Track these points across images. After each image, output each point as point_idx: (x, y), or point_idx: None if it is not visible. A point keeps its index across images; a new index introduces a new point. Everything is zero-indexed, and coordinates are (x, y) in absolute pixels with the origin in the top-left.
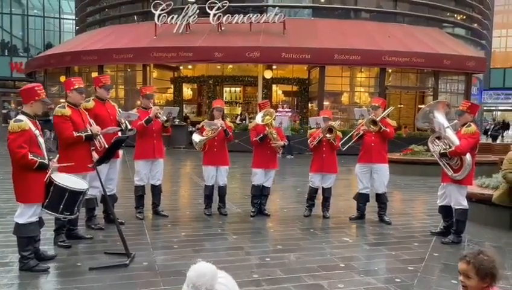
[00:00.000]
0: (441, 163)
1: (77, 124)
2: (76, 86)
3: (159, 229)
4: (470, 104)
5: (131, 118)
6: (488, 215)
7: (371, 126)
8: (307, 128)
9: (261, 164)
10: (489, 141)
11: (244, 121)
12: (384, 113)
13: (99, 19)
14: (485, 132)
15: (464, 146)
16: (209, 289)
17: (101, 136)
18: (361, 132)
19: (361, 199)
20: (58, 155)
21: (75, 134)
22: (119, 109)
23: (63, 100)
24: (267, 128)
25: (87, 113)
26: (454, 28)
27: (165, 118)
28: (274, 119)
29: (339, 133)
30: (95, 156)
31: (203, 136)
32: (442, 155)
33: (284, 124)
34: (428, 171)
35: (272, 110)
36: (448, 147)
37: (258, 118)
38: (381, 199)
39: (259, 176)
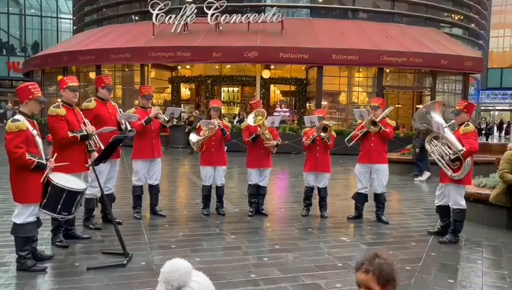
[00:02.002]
0: (439, 163)
1: (72, 124)
2: (69, 84)
3: (156, 229)
4: (466, 103)
5: (131, 119)
6: (485, 215)
7: (371, 127)
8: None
9: (255, 164)
10: (483, 139)
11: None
12: (384, 114)
13: (96, 19)
14: (479, 131)
15: (474, 144)
16: (181, 285)
17: (96, 136)
18: (366, 129)
19: (360, 199)
20: (56, 155)
21: (70, 134)
22: (120, 110)
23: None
24: (258, 129)
25: (88, 113)
26: (451, 28)
27: (167, 119)
28: (266, 119)
29: (333, 133)
30: (96, 156)
31: (200, 136)
32: (455, 160)
33: (276, 124)
34: None
35: (263, 110)
36: (447, 147)
37: (250, 119)
38: (379, 199)
39: (254, 176)
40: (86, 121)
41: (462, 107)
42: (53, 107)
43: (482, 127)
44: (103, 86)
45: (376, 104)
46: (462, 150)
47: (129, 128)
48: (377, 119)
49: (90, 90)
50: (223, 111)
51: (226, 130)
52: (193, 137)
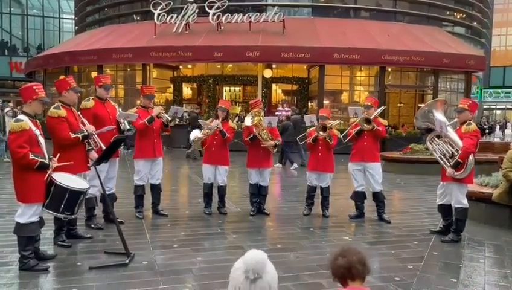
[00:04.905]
0: (441, 162)
1: (72, 125)
2: (73, 86)
3: (158, 229)
4: (470, 102)
5: (130, 118)
6: (488, 214)
7: (365, 125)
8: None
9: (255, 163)
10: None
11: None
12: (376, 112)
13: (98, 19)
14: (482, 131)
15: (470, 145)
16: (260, 273)
17: (95, 136)
18: (360, 127)
19: (359, 197)
20: (58, 155)
21: (72, 135)
22: (119, 109)
23: None
24: (254, 129)
25: (86, 112)
26: (454, 26)
27: (170, 118)
28: (263, 118)
29: (337, 132)
30: (95, 155)
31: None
32: (456, 165)
33: (274, 124)
34: (427, 169)
35: (259, 109)
36: (449, 146)
37: (248, 120)
38: (378, 197)
39: (254, 176)
40: (84, 120)
41: (465, 106)
42: (53, 108)
43: (485, 127)
44: (100, 85)
45: (369, 103)
46: (453, 147)
47: (128, 127)
48: (371, 117)
49: (92, 90)
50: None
51: (225, 132)
52: (192, 135)
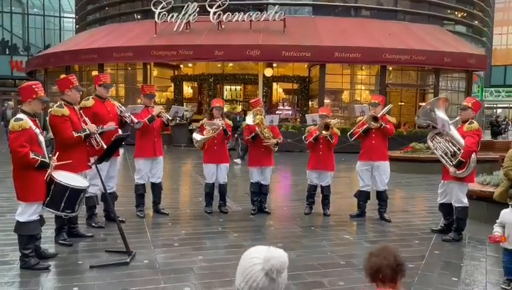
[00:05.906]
0: (443, 160)
1: (75, 124)
2: (76, 84)
3: (159, 227)
4: (474, 100)
5: (136, 110)
6: (489, 213)
7: (372, 123)
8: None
9: (256, 162)
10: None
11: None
12: (384, 110)
13: (99, 18)
14: (499, 132)
15: (472, 144)
16: (281, 271)
17: (97, 134)
18: (367, 126)
19: (362, 196)
20: (57, 153)
21: (75, 134)
22: (119, 105)
23: None
24: (256, 128)
25: (86, 111)
26: (455, 25)
27: (171, 117)
28: (264, 117)
29: (337, 131)
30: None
31: (203, 135)
32: (458, 164)
33: (275, 122)
34: (428, 168)
35: (260, 108)
36: (451, 144)
37: (249, 119)
38: (381, 196)
39: (255, 175)
40: (87, 119)
41: (469, 104)
42: (57, 107)
43: (502, 125)
44: (100, 83)
45: (376, 101)
46: (455, 146)
47: (135, 121)
48: (378, 115)
49: (92, 89)
50: (225, 109)
51: (228, 131)
52: (197, 136)
